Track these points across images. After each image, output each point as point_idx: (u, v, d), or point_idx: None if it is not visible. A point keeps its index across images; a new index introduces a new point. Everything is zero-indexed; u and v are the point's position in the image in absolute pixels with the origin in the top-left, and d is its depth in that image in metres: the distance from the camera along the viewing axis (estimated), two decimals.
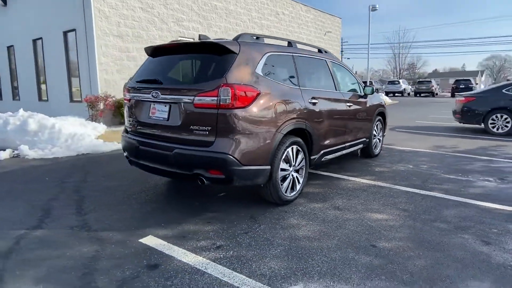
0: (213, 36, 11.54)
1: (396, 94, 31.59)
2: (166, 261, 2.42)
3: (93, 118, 8.63)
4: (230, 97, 2.82)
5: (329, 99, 4.13)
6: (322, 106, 3.89)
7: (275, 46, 3.58)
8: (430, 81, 32.47)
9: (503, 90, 8.52)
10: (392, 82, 34.01)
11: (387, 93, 30.28)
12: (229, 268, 2.32)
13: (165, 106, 3.15)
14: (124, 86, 3.72)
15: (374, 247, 2.61)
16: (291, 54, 3.77)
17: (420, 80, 36.67)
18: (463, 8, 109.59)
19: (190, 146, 2.98)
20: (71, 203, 3.56)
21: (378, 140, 5.83)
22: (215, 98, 2.83)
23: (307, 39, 16.84)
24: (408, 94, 33.64)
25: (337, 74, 4.59)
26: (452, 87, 29.04)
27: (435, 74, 65.26)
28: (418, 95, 31.45)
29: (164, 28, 10.02)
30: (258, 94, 3.04)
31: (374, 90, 5.27)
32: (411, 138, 7.93)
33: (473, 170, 5.02)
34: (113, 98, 9.00)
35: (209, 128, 2.88)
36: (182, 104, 3.01)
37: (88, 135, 6.68)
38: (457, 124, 9.78)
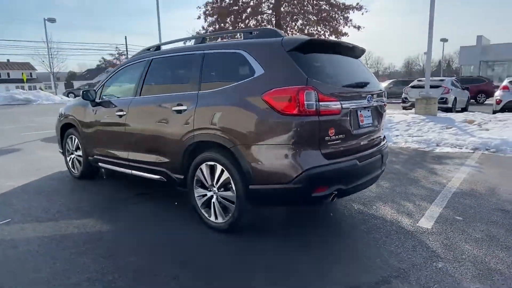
0: None
1: None
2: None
3: None
4: None
5: None
6: None
7: None
8: None
9: None
10: None
11: None
12: None
13: (368, 110, 3.04)
14: (322, 93, 2.51)
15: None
16: None
17: None
18: None
19: (384, 142, 3.39)
20: None
21: None
22: None
23: None
24: None
25: None
26: None
27: None
28: None
29: None
30: None
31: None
32: None
33: None
34: None
35: (382, 124, 3.36)
36: (381, 106, 3.25)
37: None
38: None
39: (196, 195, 3.07)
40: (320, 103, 2.49)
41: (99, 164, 4.22)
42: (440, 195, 3.85)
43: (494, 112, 10.83)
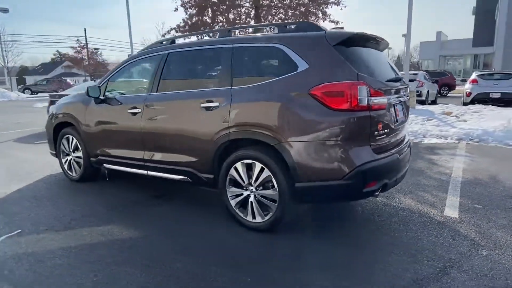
0: None
1: None
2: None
3: None
4: None
5: None
6: None
7: None
8: None
9: None
10: None
11: None
12: None
13: (401, 105, 3.09)
14: (373, 87, 2.52)
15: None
16: None
17: None
18: None
19: (408, 136, 3.43)
20: None
21: None
22: None
23: None
24: None
25: None
26: None
27: None
28: None
29: None
30: None
31: None
32: None
33: None
34: None
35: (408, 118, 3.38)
36: (407, 101, 3.26)
37: None
38: None
39: (229, 194, 2.95)
40: (372, 98, 2.49)
41: (104, 165, 3.95)
42: (451, 184, 4.02)
43: (464, 104, 11.52)
